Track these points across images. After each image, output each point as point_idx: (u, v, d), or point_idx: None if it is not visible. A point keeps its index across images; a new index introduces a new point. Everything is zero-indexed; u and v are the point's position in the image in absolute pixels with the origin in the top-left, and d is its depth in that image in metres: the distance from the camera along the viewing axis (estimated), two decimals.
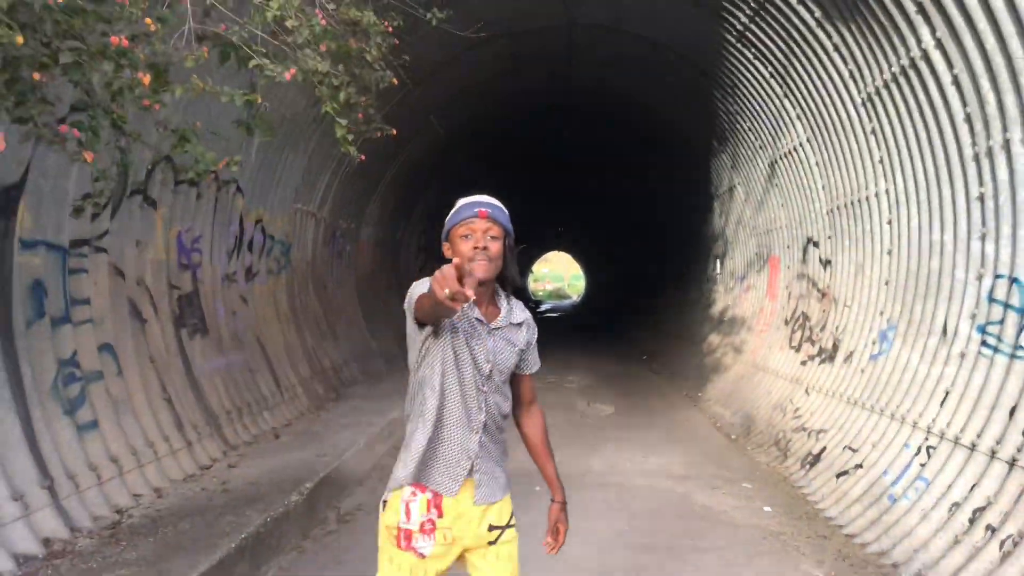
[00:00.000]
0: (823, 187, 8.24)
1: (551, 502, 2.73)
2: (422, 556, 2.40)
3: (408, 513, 2.41)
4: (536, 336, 2.66)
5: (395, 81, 4.47)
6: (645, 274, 21.13)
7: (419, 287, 2.39)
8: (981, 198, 5.24)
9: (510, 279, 2.54)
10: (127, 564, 3.88)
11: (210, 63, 3.79)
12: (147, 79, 3.10)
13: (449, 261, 2.27)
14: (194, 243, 6.39)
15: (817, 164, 8.26)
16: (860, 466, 5.92)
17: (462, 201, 2.49)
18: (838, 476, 6.09)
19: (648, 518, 5.62)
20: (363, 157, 4.25)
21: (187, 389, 5.95)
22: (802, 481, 6.53)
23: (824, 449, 6.65)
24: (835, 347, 7.61)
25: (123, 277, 5.36)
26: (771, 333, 9.99)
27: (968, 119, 5.27)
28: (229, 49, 3.51)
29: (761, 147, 10.00)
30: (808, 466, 6.67)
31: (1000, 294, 4.97)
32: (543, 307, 38.90)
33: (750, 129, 10.09)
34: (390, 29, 4.04)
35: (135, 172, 5.35)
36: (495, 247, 2.41)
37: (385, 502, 2.47)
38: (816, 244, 8.67)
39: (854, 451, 6.16)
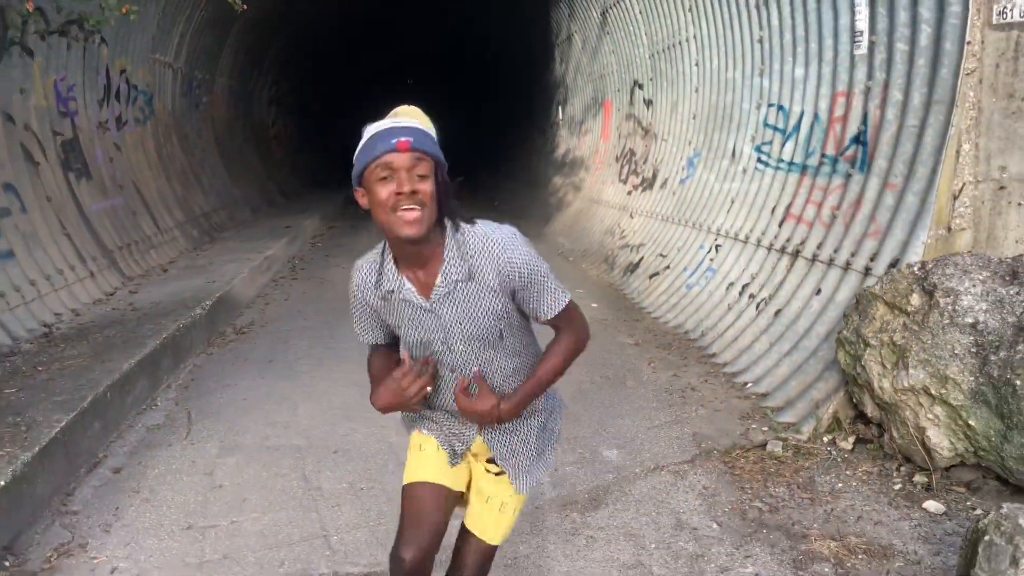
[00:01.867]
0: (646, 33, 9.29)
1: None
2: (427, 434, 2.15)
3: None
4: (533, 277, 1.96)
5: None
6: (493, 124, 21.94)
7: (354, 304, 2.08)
8: (760, 40, 6.42)
9: (453, 220, 1.93)
10: (72, 358, 4.66)
11: None
12: None
13: (363, 210, 1.91)
14: (69, 91, 6.75)
15: (640, 12, 9.27)
16: (668, 267, 7.30)
17: (372, 128, 1.88)
18: (651, 277, 7.47)
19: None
20: (245, 7, 4.82)
21: (82, 227, 6.51)
22: (623, 285, 7.90)
23: (642, 259, 8.02)
24: (654, 176, 8.91)
25: (13, 123, 5.78)
26: (604, 170, 11.24)
27: None
28: None
29: None
30: (629, 273, 8.04)
31: (771, 119, 6.24)
32: None
33: None
34: None
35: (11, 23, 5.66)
36: (425, 188, 1.81)
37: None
38: (641, 86, 9.81)
39: (664, 256, 7.53)
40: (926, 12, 4.37)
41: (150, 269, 7.44)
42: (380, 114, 1.96)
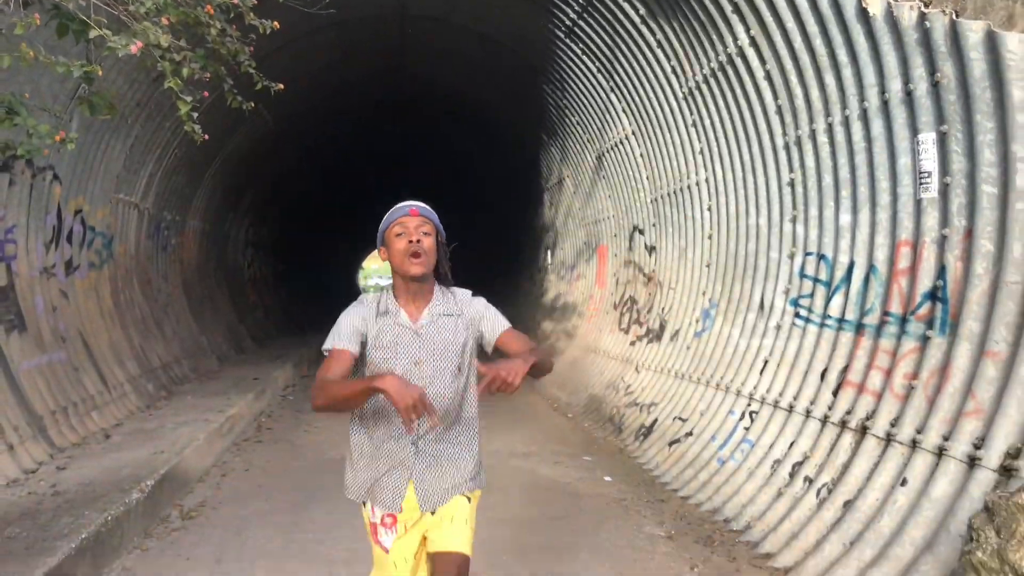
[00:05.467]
0: (647, 177, 8.73)
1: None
2: (387, 551, 2.60)
3: (372, 511, 2.64)
4: (489, 311, 2.73)
5: (251, 49, 4.31)
6: (479, 267, 21.42)
7: (342, 324, 2.58)
8: (791, 183, 5.77)
9: (443, 273, 2.71)
10: None
11: (40, 32, 3.55)
12: None
13: (385, 264, 2.65)
14: (7, 233, 5.91)
15: (642, 155, 8.74)
16: (690, 434, 6.36)
17: (395, 207, 2.65)
18: (670, 444, 6.52)
19: (498, 493, 5.76)
20: (206, 136, 4.09)
21: (6, 389, 5.51)
22: (637, 452, 6.93)
23: (656, 421, 7.09)
24: (662, 327, 8.11)
25: None
26: (601, 317, 10.48)
27: (779, 111, 5.78)
28: (66, 20, 3.29)
29: (589, 140, 10.44)
30: (642, 437, 7.08)
31: (810, 270, 5.50)
32: None
33: (579, 123, 10.51)
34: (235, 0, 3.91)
35: None
36: (428, 242, 2.59)
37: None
38: (642, 232, 9.18)
39: (684, 420, 6.61)
40: (1021, 150, 3.69)
41: (89, 435, 6.38)
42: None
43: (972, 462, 3.61)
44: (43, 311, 6.43)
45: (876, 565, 3.75)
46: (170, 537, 4.97)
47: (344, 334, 2.56)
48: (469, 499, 2.66)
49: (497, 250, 18.81)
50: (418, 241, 2.55)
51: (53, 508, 4.55)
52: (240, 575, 4.34)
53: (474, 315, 2.71)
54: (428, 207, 2.67)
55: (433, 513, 2.60)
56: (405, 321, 2.61)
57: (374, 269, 60.17)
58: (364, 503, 2.67)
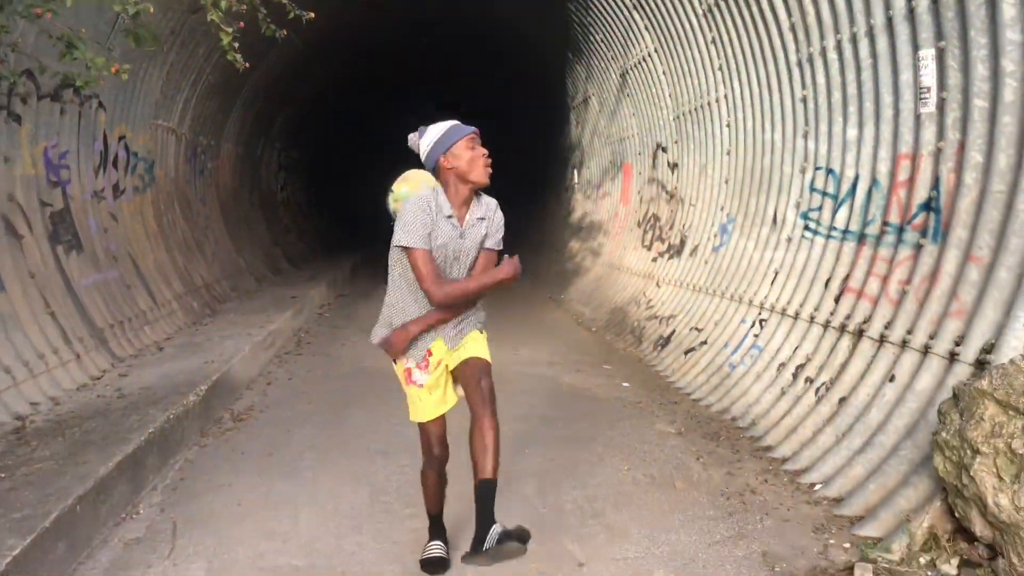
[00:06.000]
0: (670, 95, 8.88)
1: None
2: (420, 386, 3.22)
3: (407, 361, 3.25)
4: (501, 230, 3.32)
5: None
6: (507, 187, 21.65)
7: (415, 221, 3.09)
8: (804, 100, 5.95)
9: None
10: (43, 460, 4.09)
11: None
12: None
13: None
14: (61, 159, 6.30)
15: (664, 73, 8.87)
16: (705, 343, 6.72)
17: (446, 125, 3.20)
18: (686, 353, 6.89)
19: (523, 396, 6.21)
20: (247, 65, 4.39)
21: (69, 304, 5.99)
22: (655, 361, 7.31)
23: (673, 332, 7.45)
24: (682, 243, 8.39)
25: None
26: (625, 235, 10.75)
27: (793, 28, 5.93)
28: None
29: (613, 58, 10.54)
30: (660, 347, 7.46)
31: (819, 184, 5.73)
32: None
33: (603, 40, 10.59)
34: None
35: None
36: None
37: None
38: (664, 149, 9.37)
39: (699, 330, 6.95)
40: (1010, 65, 3.88)
41: (144, 348, 6.89)
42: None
43: (952, 358, 3.93)
44: (96, 232, 6.87)
45: (863, 452, 4.12)
46: (224, 436, 5.48)
47: (421, 235, 3.08)
48: (481, 331, 3.34)
49: (524, 169, 18.96)
50: (490, 156, 3.17)
51: (121, 408, 5.05)
52: (290, 465, 4.82)
53: (493, 226, 3.29)
54: None
55: (455, 350, 3.24)
56: (455, 223, 3.16)
57: (403, 193, 60.92)
58: (395, 360, 3.28)
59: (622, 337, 8.48)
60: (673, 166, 9.05)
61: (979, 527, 3.19)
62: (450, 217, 3.15)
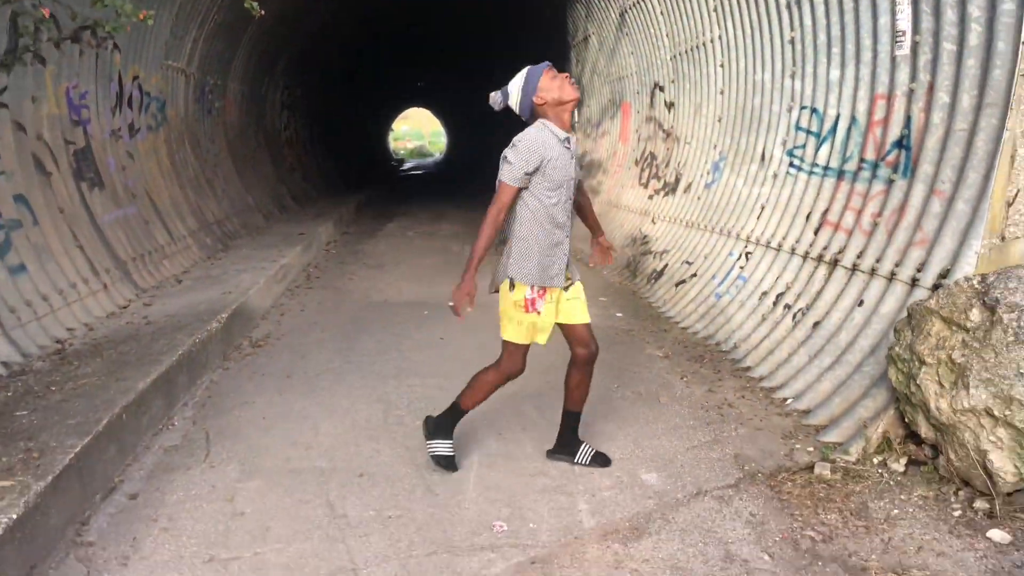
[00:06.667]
0: (667, 34, 9.09)
1: (595, 239, 4.14)
2: (539, 313, 3.60)
3: (532, 289, 3.59)
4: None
5: None
6: (506, 127, 21.76)
7: (532, 153, 3.45)
8: (792, 41, 6.22)
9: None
10: (86, 376, 4.50)
11: None
12: None
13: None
14: (81, 99, 6.60)
15: (662, 13, 9.07)
16: (695, 275, 7.09)
17: (521, 74, 3.61)
18: (677, 285, 7.27)
19: None
20: (263, 12, 4.66)
21: (94, 238, 6.36)
22: (648, 293, 7.70)
23: (666, 266, 7.82)
24: (677, 180, 8.70)
25: (25, 132, 5.63)
26: (623, 173, 11.04)
27: None
28: None
29: None
30: (653, 280, 7.84)
31: (804, 122, 6.03)
32: (406, 166, 38.14)
33: None
34: None
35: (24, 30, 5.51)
36: None
37: (513, 285, 3.58)
38: (662, 88, 9.61)
39: (690, 264, 7.33)
40: (976, 10, 4.16)
41: (164, 280, 7.28)
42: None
43: (914, 283, 4.31)
44: (115, 170, 7.20)
45: (831, 369, 4.53)
46: (244, 360, 5.90)
47: (525, 170, 3.45)
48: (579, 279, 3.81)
49: None
50: (570, 77, 3.53)
51: (150, 333, 5.46)
52: (307, 385, 5.25)
53: (575, 146, 3.67)
54: None
55: (566, 289, 3.69)
56: (568, 145, 3.53)
57: (404, 132, 60.27)
58: (514, 286, 3.58)
59: (618, 272, 8.85)
60: (670, 105, 9.30)
61: (924, 429, 3.61)
62: (564, 140, 3.50)
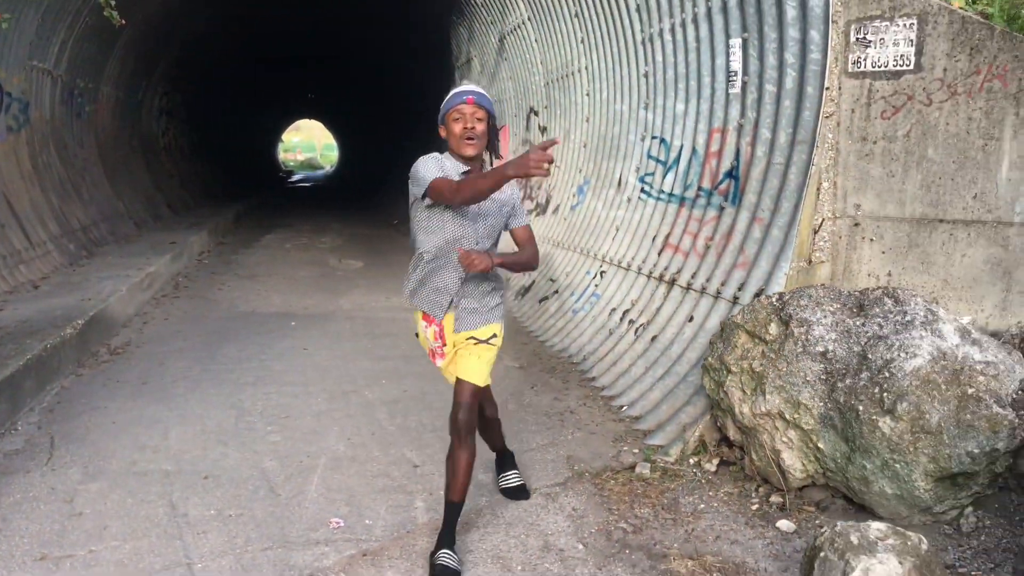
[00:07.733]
0: (541, 62, 9.48)
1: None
2: (438, 367, 3.43)
3: (427, 340, 3.37)
4: (520, 195, 3.29)
5: None
6: (394, 145, 21.89)
7: (428, 169, 3.03)
8: (646, 75, 6.66)
9: (493, 151, 3.22)
10: None
11: None
12: None
13: (445, 141, 3.13)
14: None
15: (536, 41, 9.46)
16: (557, 292, 7.44)
17: (454, 90, 3.13)
18: (540, 301, 7.59)
19: (387, 338, 6.78)
20: (124, 22, 4.70)
21: None
22: (515, 308, 8.00)
23: (533, 282, 8.14)
24: (548, 202, 9.07)
25: None
26: None
27: (639, 9, 6.60)
28: None
29: (492, 22, 11.04)
30: (520, 296, 8.15)
31: (654, 152, 6.47)
32: (294, 177, 37.54)
33: (483, 4, 11.07)
34: None
35: None
36: (480, 127, 3.08)
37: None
38: (536, 113, 9.99)
39: (553, 281, 7.67)
40: (791, 58, 4.64)
41: (19, 285, 7.09)
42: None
43: (735, 301, 4.73)
44: None
45: (662, 379, 4.89)
46: (100, 367, 5.84)
47: (433, 171, 3.02)
48: (495, 332, 3.45)
49: (412, 128, 19.29)
50: (472, 127, 3.03)
51: None
52: (162, 392, 5.26)
53: (507, 198, 3.24)
54: (482, 92, 3.12)
55: (458, 333, 3.33)
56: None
57: (295, 143, 59.42)
58: (420, 327, 3.41)
59: None
60: (543, 129, 9.68)
61: (732, 432, 3.99)
62: (463, 174, 3.09)
